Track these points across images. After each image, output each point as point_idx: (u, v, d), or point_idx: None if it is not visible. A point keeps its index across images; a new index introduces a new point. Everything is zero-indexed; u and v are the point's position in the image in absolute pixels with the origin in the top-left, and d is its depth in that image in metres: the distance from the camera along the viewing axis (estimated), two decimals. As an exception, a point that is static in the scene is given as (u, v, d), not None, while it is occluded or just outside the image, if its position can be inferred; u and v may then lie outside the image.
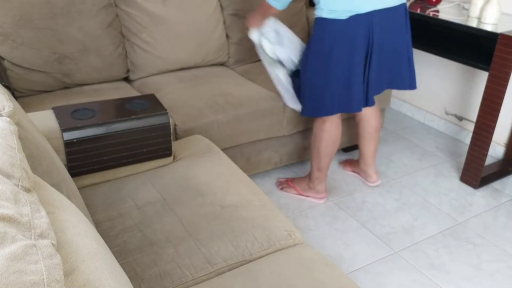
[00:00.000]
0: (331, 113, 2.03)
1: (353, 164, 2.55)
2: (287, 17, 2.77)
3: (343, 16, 1.81)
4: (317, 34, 1.91)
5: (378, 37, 1.89)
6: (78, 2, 2.18)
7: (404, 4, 1.94)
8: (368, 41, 1.88)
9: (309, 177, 2.30)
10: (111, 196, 1.49)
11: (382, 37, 1.90)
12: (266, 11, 2.05)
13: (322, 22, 1.86)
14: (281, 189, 2.38)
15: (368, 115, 2.27)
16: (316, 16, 1.90)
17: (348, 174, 2.54)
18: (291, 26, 2.79)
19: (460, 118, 2.97)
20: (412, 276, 1.88)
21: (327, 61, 1.91)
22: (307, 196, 2.32)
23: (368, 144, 2.34)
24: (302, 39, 2.86)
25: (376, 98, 2.18)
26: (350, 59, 1.88)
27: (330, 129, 2.11)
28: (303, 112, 2.10)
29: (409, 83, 2.09)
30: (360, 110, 2.00)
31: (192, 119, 2.06)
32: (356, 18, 1.81)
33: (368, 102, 2.01)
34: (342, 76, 1.92)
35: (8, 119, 0.88)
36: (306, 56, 2.00)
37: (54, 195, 0.84)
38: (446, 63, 2.97)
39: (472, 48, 2.56)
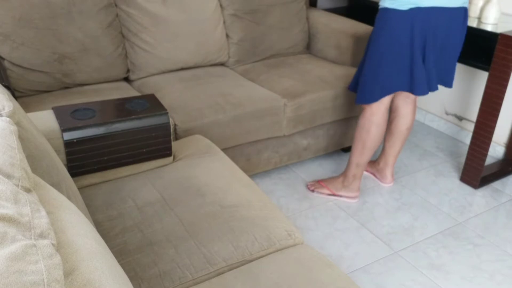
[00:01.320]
0: (396, 89, 2.06)
1: (369, 163, 2.53)
2: (287, 17, 2.77)
3: (404, 7, 1.90)
4: (380, 22, 1.99)
5: (434, 33, 1.97)
6: (78, 2, 2.18)
7: (464, 8, 1.99)
8: (425, 34, 1.95)
9: (344, 174, 2.29)
10: (111, 196, 1.49)
11: (438, 34, 1.98)
12: None
13: (385, 11, 1.96)
14: (313, 190, 2.37)
15: (406, 113, 2.26)
16: (380, 7, 1.99)
17: (348, 174, 2.54)
18: (291, 26, 2.80)
19: (460, 118, 2.97)
20: (412, 276, 1.88)
21: (390, 47, 1.97)
22: (340, 195, 2.31)
23: (396, 142, 2.32)
24: (302, 39, 2.86)
25: (406, 97, 2.23)
26: (410, 46, 1.96)
27: (379, 123, 2.12)
28: (363, 99, 2.10)
29: (450, 82, 2.16)
30: (425, 93, 2.06)
31: (192, 119, 2.06)
32: (416, 11, 1.90)
33: (431, 88, 2.08)
34: (405, 61, 1.99)
35: (8, 119, 0.88)
36: (371, 42, 2.05)
37: (54, 195, 0.84)
38: (446, 63, 2.97)
39: (472, 48, 2.55)
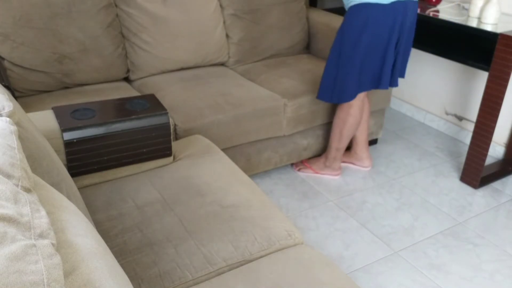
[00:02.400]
0: (363, 89, 2.18)
1: (344, 155, 2.61)
2: (287, 17, 2.77)
3: (386, 1, 1.97)
4: (356, 18, 2.02)
5: (405, 26, 2.08)
6: (78, 2, 2.18)
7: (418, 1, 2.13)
8: (401, 27, 2.06)
9: (325, 156, 2.47)
10: (111, 196, 1.49)
11: (407, 27, 2.09)
12: None
13: (365, 6, 1.99)
14: (298, 170, 2.53)
15: (366, 102, 2.43)
16: (355, 3, 2.00)
17: (347, 174, 2.54)
18: (291, 26, 2.80)
19: (460, 118, 2.97)
20: (412, 276, 1.88)
21: (366, 42, 2.04)
22: (324, 174, 2.51)
23: (364, 129, 2.50)
24: (302, 39, 2.86)
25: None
26: (387, 40, 2.05)
27: (355, 114, 2.29)
28: (344, 98, 2.17)
29: (404, 73, 2.30)
30: (387, 87, 2.18)
31: (192, 119, 2.06)
32: (396, 5, 1.99)
33: (392, 83, 2.23)
34: (378, 56, 2.10)
35: (8, 119, 0.88)
36: (341, 43, 2.09)
37: (54, 195, 0.84)
38: (446, 63, 2.97)
39: (472, 48, 2.56)
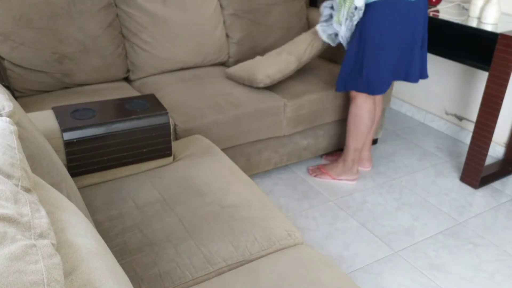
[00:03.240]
0: (392, 80, 2.18)
1: (340, 153, 2.60)
2: (287, 17, 2.77)
3: None
4: (382, 14, 2.03)
5: (422, 23, 2.10)
6: (78, 2, 2.18)
7: None
8: (415, 27, 2.08)
9: (343, 160, 2.42)
10: (111, 196, 1.49)
11: (420, 27, 2.11)
12: None
13: (378, 4, 2.01)
14: (315, 176, 2.49)
15: (378, 99, 2.41)
16: (372, 0, 2.02)
17: (348, 174, 2.54)
18: (291, 26, 2.80)
19: (460, 118, 2.97)
20: (412, 276, 1.88)
21: (392, 35, 2.06)
22: (341, 179, 2.45)
23: (372, 128, 2.45)
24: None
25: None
26: (412, 34, 2.07)
27: (370, 109, 2.26)
28: (377, 90, 2.18)
29: (426, 72, 2.28)
30: (417, 80, 2.20)
31: (192, 119, 2.06)
32: (411, 4, 2.02)
33: (422, 75, 2.22)
34: (407, 48, 2.10)
35: (8, 119, 0.88)
36: (360, 39, 2.10)
37: (54, 195, 0.84)
38: (446, 63, 2.97)
39: (472, 48, 2.55)
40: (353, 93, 2.26)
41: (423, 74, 2.25)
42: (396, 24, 2.03)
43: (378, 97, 2.40)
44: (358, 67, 2.15)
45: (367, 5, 2.04)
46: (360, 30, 2.09)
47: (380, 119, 2.72)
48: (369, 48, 2.09)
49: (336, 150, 2.69)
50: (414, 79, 2.20)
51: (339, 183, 2.46)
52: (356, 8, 2.05)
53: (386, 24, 2.03)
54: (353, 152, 2.36)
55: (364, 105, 2.24)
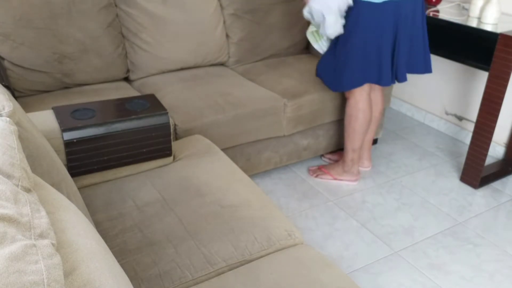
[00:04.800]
0: (363, 82, 2.18)
1: (341, 153, 2.60)
2: (287, 17, 2.77)
3: (378, 0, 2.01)
4: (355, 14, 2.06)
5: (404, 24, 2.08)
6: (78, 2, 2.18)
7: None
8: (396, 26, 2.07)
9: (343, 161, 2.43)
10: (111, 196, 1.49)
11: (406, 24, 2.09)
12: None
13: (360, 4, 2.03)
14: (316, 176, 2.48)
15: (377, 99, 2.41)
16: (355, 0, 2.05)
17: (348, 174, 2.54)
18: (291, 26, 2.80)
19: (460, 118, 2.97)
20: (412, 276, 1.88)
21: (363, 39, 2.08)
22: (342, 179, 2.45)
23: (372, 129, 2.47)
24: (302, 39, 2.86)
25: (374, 86, 2.38)
26: (380, 39, 2.07)
27: (364, 108, 2.26)
28: (338, 87, 2.22)
29: (425, 67, 2.25)
30: (389, 84, 2.19)
31: (192, 119, 2.06)
32: (389, 4, 2.01)
33: (399, 79, 2.20)
34: (375, 53, 2.11)
35: (8, 119, 0.88)
36: (346, 34, 2.12)
37: (54, 195, 0.84)
38: (446, 63, 2.97)
39: (472, 48, 2.55)
40: (347, 94, 2.27)
41: (427, 68, 2.25)
42: (378, 23, 2.04)
43: (375, 98, 2.40)
44: (335, 60, 2.18)
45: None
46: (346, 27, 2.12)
47: (380, 119, 2.72)
48: (349, 45, 2.10)
49: (336, 149, 2.69)
50: (385, 83, 2.18)
51: (339, 183, 2.46)
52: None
53: (368, 23, 2.05)
54: (351, 153, 2.36)
55: (358, 105, 2.25)
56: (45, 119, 1.52)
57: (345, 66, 2.15)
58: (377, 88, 2.38)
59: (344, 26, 2.11)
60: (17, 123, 0.97)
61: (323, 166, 2.51)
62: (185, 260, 1.25)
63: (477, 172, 2.43)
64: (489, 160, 2.72)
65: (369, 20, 2.04)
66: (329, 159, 2.64)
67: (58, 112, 1.56)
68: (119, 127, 1.56)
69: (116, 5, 2.32)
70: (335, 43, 2.18)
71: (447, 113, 3.05)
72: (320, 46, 2.28)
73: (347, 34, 2.10)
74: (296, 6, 2.80)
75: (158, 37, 2.39)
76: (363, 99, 2.25)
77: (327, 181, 2.46)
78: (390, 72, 2.16)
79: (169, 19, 2.41)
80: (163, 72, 2.48)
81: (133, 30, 2.35)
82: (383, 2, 2.00)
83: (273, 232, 1.37)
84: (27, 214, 0.65)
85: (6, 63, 2.07)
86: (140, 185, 1.54)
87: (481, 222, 2.22)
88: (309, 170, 2.53)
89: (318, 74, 2.30)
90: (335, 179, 2.45)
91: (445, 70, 2.98)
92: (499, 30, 2.25)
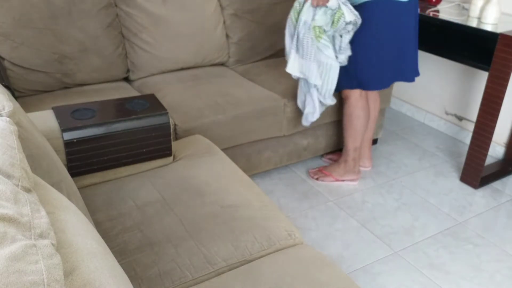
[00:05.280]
0: (392, 80, 2.24)
1: (340, 153, 2.60)
2: (287, 17, 2.77)
3: None
4: (382, 13, 2.06)
5: (415, 23, 2.15)
6: (78, 2, 2.18)
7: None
8: (415, 24, 2.14)
9: (344, 160, 2.41)
10: (111, 196, 1.49)
11: (415, 23, 2.16)
12: None
13: (383, 3, 2.03)
14: (317, 179, 2.46)
15: (374, 97, 2.41)
16: None
17: (348, 174, 2.54)
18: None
19: (460, 118, 2.97)
20: (412, 276, 1.88)
21: (390, 36, 2.10)
22: (344, 180, 2.44)
23: (371, 127, 2.47)
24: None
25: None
26: (406, 35, 2.12)
27: (364, 106, 2.27)
28: (376, 86, 2.23)
29: (417, 70, 2.30)
30: (413, 80, 2.25)
31: (192, 119, 2.06)
32: (413, 3, 2.07)
33: (415, 73, 2.26)
34: (400, 49, 2.14)
35: (8, 119, 0.88)
36: (361, 38, 2.11)
37: (54, 195, 0.84)
38: (446, 63, 2.97)
39: (472, 48, 2.55)
40: (346, 93, 2.27)
41: (416, 72, 2.28)
42: (389, 23, 2.06)
43: (373, 96, 2.40)
44: (351, 66, 2.16)
45: (360, 5, 2.06)
46: (360, 31, 2.10)
47: (380, 119, 2.73)
48: (364, 48, 2.10)
49: (335, 150, 2.69)
50: (410, 78, 2.24)
51: (339, 183, 2.46)
52: (347, 22, 2.02)
53: (380, 23, 2.05)
54: (353, 152, 2.36)
55: (357, 104, 2.25)
56: (45, 119, 1.52)
57: (370, 66, 2.14)
58: None
59: (375, 25, 2.08)
60: (17, 123, 0.97)
61: (324, 168, 2.49)
62: (185, 260, 1.25)
63: (477, 172, 2.43)
64: (489, 160, 2.72)
65: (397, 19, 2.06)
66: (330, 159, 2.64)
67: (58, 112, 1.56)
68: (119, 127, 1.56)
69: (116, 5, 2.32)
70: (353, 43, 2.12)
71: (447, 113, 3.05)
72: (319, 46, 2.18)
73: (365, 35, 2.08)
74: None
75: (158, 37, 2.39)
76: (363, 98, 2.26)
77: (328, 183, 2.45)
78: (412, 66, 2.22)
79: (169, 19, 2.41)
80: (163, 72, 2.48)
81: (133, 30, 2.35)
82: (409, 1, 2.03)
83: (273, 232, 1.37)
84: (27, 214, 0.65)
85: (6, 63, 2.07)
86: (140, 185, 1.54)
87: (481, 222, 2.22)
88: (309, 173, 2.52)
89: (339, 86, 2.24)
90: (337, 180, 2.44)
91: (445, 70, 2.98)
92: (499, 30, 2.25)
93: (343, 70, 2.17)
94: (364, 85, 2.20)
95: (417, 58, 2.27)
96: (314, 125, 2.44)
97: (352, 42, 2.12)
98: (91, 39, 2.22)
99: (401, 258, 1.98)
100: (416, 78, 3.19)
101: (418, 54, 2.31)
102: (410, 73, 2.24)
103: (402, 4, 2.04)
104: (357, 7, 2.05)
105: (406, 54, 2.17)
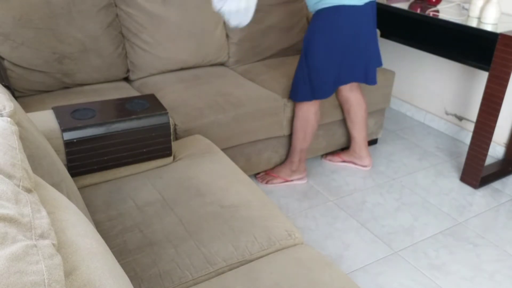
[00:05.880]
0: (340, 84, 2.25)
1: (342, 154, 2.62)
2: (287, 17, 2.77)
3: (360, 2, 2.05)
4: (331, 21, 2.08)
5: (371, 23, 2.17)
6: (78, 2, 2.18)
7: (374, 1, 2.18)
8: (373, 24, 2.16)
9: (290, 161, 2.41)
10: (111, 196, 1.49)
11: (372, 23, 2.19)
12: None
13: (338, 9, 2.04)
14: (266, 182, 2.43)
15: (358, 99, 2.41)
16: (327, 6, 2.04)
17: (348, 174, 2.54)
18: (291, 26, 2.79)
19: (460, 118, 2.97)
20: (412, 276, 1.88)
21: (341, 44, 2.11)
22: (292, 180, 2.43)
23: (362, 128, 2.47)
24: (302, 40, 2.86)
25: (350, 87, 2.40)
26: (358, 41, 2.13)
27: (315, 111, 2.28)
28: (305, 97, 2.23)
29: (379, 62, 2.35)
30: (375, 83, 2.29)
31: (192, 119, 2.06)
32: (369, 5, 2.09)
33: (368, 80, 2.28)
34: (358, 53, 2.16)
35: (9, 119, 0.88)
36: (314, 42, 2.13)
37: (55, 195, 0.84)
38: (446, 63, 2.97)
39: (472, 48, 2.56)
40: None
41: (378, 63, 2.32)
42: (341, 30, 2.07)
43: (356, 97, 2.40)
44: (306, 74, 2.18)
45: (315, 13, 2.10)
46: (308, 38, 2.14)
47: (380, 119, 2.73)
48: (315, 55, 2.13)
49: (335, 150, 2.69)
50: (372, 82, 2.28)
51: (338, 182, 2.46)
52: None
53: (331, 30, 2.07)
54: (299, 153, 2.37)
55: (310, 108, 2.25)
56: (45, 119, 1.52)
57: (324, 73, 2.16)
58: (353, 89, 2.39)
59: (323, 33, 2.10)
60: (18, 123, 0.97)
61: (270, 170, 2.46)
62: (185, 260, 1.25)
63: (477, 172, 2.43)
64: (489, 160, 2.72)
65: (354, 23, 2.08)
66: (330, 160, 2.64)
67: (58, 112, 1.56)
68: (119, 127, 1.56)
69: (116, 5, 2.32)
70: (305, 53, 2.16)
71: (447, 113, 3.05)
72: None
73: (322, 40, 2.11)
74: (296, 6, 2.80)
75: (158, 37, 2.39)
76: (316, 103, 2.26)
77: (279, 185, 2.42)
78: (375, 70, 2.26)
79: (169, 19, 2.41)
80: (163, 72, 2.48)
81: (133, 30, 2.35)
82: (364, 4, 2.04)
83: (273, 232, 1.37)
84: (28, 214, 0.65)
85: (6, 63, 2.07)
86: (140, 185, 1.54)
87: (481, 222, 2.22)
88: (257, 178, 2.46)
89: (293, 97, 2.27)
90: (286, 180, 2.42)
91: (445, 70, 2.98)
92: (499, 30, 2.25)
93: (301, 80, 2.20)
94: (316, 95, 2.20)
95: (377, 61, 2.30)
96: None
97: (305, 52, 2.16)
98: (91, 39, 2.22)
99: (401, 258, 1.98)
100: (416, 78, 3.19)
101: (378, 46, 2.31)
102: (367, 76, 2.26)
103: (357, 9, 2.04)
104: (314, 15, 2.11)
105: (363, 59, 2.19)
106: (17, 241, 0.58)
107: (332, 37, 2.09)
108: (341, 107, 2.47)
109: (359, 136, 2.49)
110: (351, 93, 2.39)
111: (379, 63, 2.33)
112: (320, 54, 2.13)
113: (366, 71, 2.24)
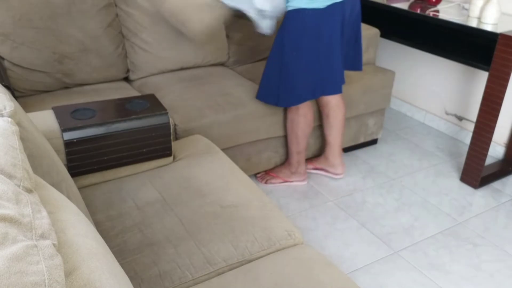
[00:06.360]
0: (316, 95, 2.19)
1: (315, 161, 2.53)
2: (287, 17, 2.77)
3: (322, 5, 1.97)
4: (295, 25, 2.02)
5: (347, 24, 2.11)
6: (78, 2, 2.18)
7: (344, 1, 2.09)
8: (342, 27, 2.07)
9: (289, 163, 2.40)
10: (111, 196, 1.49)
11: (348, 24, 2.13)
12: None
13: (301, 12, 1.98)
14: (265, 182, 2.43)
15: (337, 103, 2.32)
16: (292, 8, 2.00)
17: (347, 174, 2.54)
18: (291, 26, 2.79)
19: (460, 118, 2.97)
20: (412, 276, 1.89)
21: (308, 49, 2.05)
22: (292, 181, 2.42)
23: (339, 133, 2.38)
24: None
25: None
26: (330, 44, 2.06)
27: (305, 113, 2.24)
28: (280, 103, 2.17)
29: (358, 65, 2.31)
30: (341, 91, 2.21)
31: (192, 119, 2.06)
32: (333, 7, 2.00)
33: (357, 67, 2.28)
34: (324, 62, 2.09)
35: (9, 119, 0.88)
36: (281, 47, 2.07)
37: (55, 195, 0.84)
38: (446, 63, 2.97)
39: (472, 48, 2.56)
40: None
41: (358, 66, 2.29)
42: (305, 31, 2.01)
43: (335, 102, 2.30)
44: (275, 77, 2.13)
45: (285, 15, 2.03)
46: (280, 40, 2.07)
47: (380, 119, 2.73)
48: (283, 61, 2.08)
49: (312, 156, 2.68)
50: (338, 90, 2.19)
51: (338, 182, 2.46)
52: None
53: (296, 34, 2.02)
54: (296, 155, 2.35)
55: (297, 111, 2.22)
56: (45, 119, 1.52)
57: (293, 78, 2.10)
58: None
59: (289, 37, 2.04)
60: (18, 123, 0.97)
61: (270, 170, 2.45)
62: (185, 260, 1.25)
63: (477, 172, 2.43)
64: (489, 160, 2.73)
65: (316, 27, 2.00)
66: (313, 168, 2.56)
67: (58, 112, 1.56)
68: (119, 127, 1.56)
69: (116, 5, 2.32)
70: (279, 56, 2.09)
71: (447, 113, 3.05)
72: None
73: (294, 44, 2.04)
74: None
75: (158, 37, 2.39)
76: (305, 105, 2.22)
77: (278, 185, 2.42)
78: (342, 78, 2.19)
79: (169, 19, 2.41)
80: (163, 72, 2.48)
81: (133, 30, 2.35)
82: (327, 6, 1.96)
83: (273, 232, 1.37)
84: (29, 214, 0.65)
85: (6, 63, 2.07)
86: (140, 185, 1.55)
87: (481, 222, 2.22)
88: (257, 178, 2.46)
89: (260, 96, 2.21)
90: (286, 181, 2.42)
91: (445, 70, 2.98)
92: (499, 30, 2.25)
93: (270, 82, 2.14)
94: (281, 101, 2.15)
95: (360, 52, 2.26)
96: (315, 126, 2.44)
97: (278, 53, 2.09)
98: (91, 39, 2.22)
99: (401, 258, 1.98)
100: (416, 78, 3.19)
101: (361, 49, 2.28)
102: (337, 85, 2.18)
103: (318, 12, 1.97)
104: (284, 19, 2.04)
105: (331, 64, 2.11)
106: (17, 241, 0.58)
107: (297, 40, 2.03)
108: (320, 111, 2.38)
109: (335, 142, 2.38)
110: (331, 97, 2.30)
111: (356, 67, 2.29)
112: (290, 56, 2.06)
113: (334, 75, 2.16)
